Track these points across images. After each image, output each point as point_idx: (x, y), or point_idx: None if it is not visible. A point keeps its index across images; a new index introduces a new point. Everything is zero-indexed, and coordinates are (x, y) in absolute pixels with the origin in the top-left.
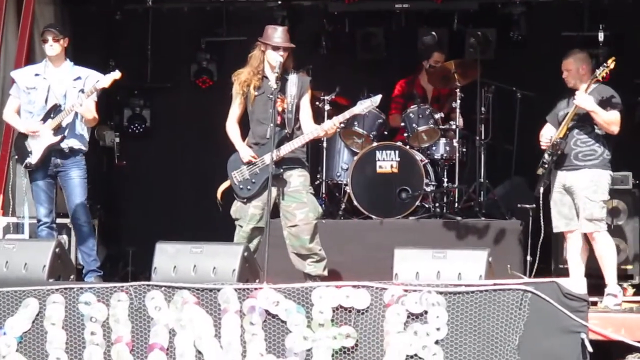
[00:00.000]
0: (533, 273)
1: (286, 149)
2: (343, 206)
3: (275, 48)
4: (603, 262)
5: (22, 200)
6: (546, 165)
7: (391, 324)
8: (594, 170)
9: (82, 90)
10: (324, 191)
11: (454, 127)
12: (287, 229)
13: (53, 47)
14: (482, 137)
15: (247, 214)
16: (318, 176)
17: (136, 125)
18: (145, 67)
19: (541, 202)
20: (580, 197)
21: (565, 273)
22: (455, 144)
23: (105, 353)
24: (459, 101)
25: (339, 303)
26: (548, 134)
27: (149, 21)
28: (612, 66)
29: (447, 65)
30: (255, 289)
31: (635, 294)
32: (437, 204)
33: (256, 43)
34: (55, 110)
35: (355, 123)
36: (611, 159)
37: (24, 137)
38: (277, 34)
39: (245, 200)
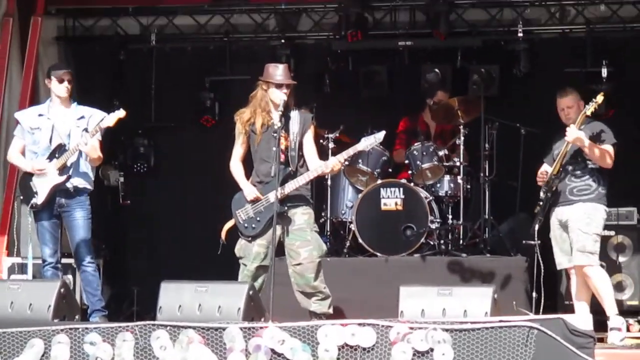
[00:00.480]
0: (540, 310)
1: (290, 187)
2: (348, 244)
3: (279, 86)
4: (599, 295)
5: (27, 241)
6: (541, 203)
7: None
8: (589, 204)
9: (85, 130)
10: (328, 229)
11: (458, 164)
12: (292, 267)
13: (68, 88)
14: (487, 174)
15: (251, 253)
16: (323, 214)
17: (140, 164)
18: (149, 107)
19: (537, 239)
20: (574, 229)
21: (571, 309)
22: (460, 181)
23: None
24: (462, 138)
25: (344, 341)
26: (544, 171)
27: (152, 61)
28: (599, 101)
29: (450, 102)
30: (261, 327)
31: None
32: (442, 241)
33: (258, 82)
34: (60, 149)
35: (360, 161)
36: (607, 193)
37: (29, 177)
38: (278, 71)
39: (250, 238)
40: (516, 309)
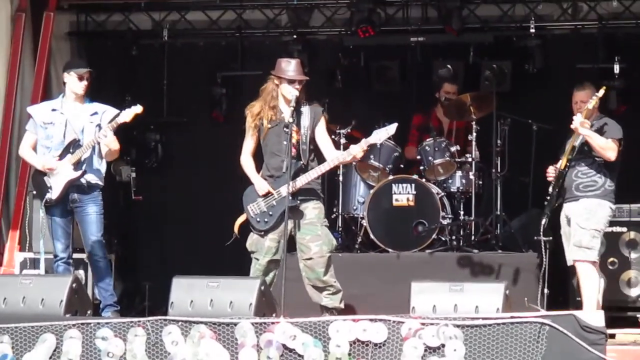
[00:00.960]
0: (551, 306)
1: (302, 180)
2: (359, 239)
3: (291, 81)
4: (582, 292)
5: (39, 236)
6: (548, 198)
7: (408, 357)
8: (592, 199)
9: (99, 126)
10: (340, 224)
11: (470, 159)
12: (303, 261)
13: (86, 85)
14: (499, 170)
15: (263, 247)
16: (334, 209)
17: (152, 160)
18: (161, 102)
19: (544, 235)
20: (573, 224)
21: (582, 305)
22: (472, 177)
23: None
24: (474, 134)
25: (356, 337)
26: (552, 168)
27: (164, 56)
28: (601, 95)
29: (462, 98)
30: (272, 323)
31: None
32: (453, 237)
33: (269, 76)
34: (74, 145)
35: (372, 156)
36: (614, 190)
37: (42, 172)
38: (291, 67)
39: (262, 233)
40: (528, 305)
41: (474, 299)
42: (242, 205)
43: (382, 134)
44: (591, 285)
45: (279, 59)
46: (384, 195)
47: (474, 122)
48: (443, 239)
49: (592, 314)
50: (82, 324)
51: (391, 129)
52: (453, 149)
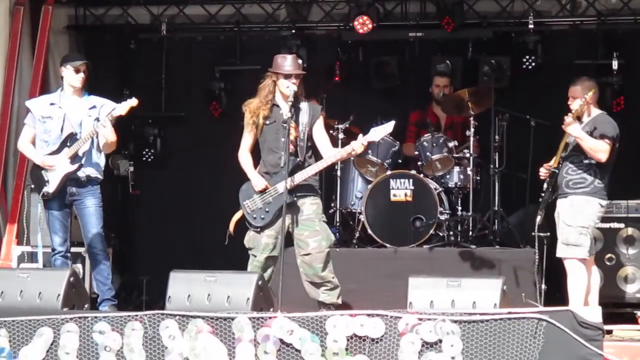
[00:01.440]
0: (548, 302)
1: (300, 177)
2: (357, 235)
3: (287, 76)
4: (569, 289)
5: (37, 229)
6: (542, 194)
7: (405, 352)
8: (580, 196)
9: (97, 119)
10: (338, 220)
11: (467, 155)
12: (301, 257)
13: (83, 78)
14: (496, 166)
15: (260, 244)
16: (332, 204)
17: (150, 154)
18: (159, 96)
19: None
20: (560, 221)
21: None
22: (469, 172)
23: None
24: (472, 129)
25: (353, 332)
26: (544, 168)
27: (163, 50)
28: (589, 97)
29: (461, 93)
30: (270, 317)
31: None
32: (451, 233)
33: (266, 73)
34: (71, 138)
35: (370, 151)
36: (605, 187)
37: (40, 166)
38: (287, 62)
39: (258, 229)
40: (525, 301)
41: (472, 294)
42: (239, 201)
43: (380, 132)
44: (577, 282)
45: (275, 55)
46: (381, 190)
47: (472, 118)
48: (441, 234)
49: (589, 309)
50: (80, 317)
51: (389, 126)
52: (451, 144)
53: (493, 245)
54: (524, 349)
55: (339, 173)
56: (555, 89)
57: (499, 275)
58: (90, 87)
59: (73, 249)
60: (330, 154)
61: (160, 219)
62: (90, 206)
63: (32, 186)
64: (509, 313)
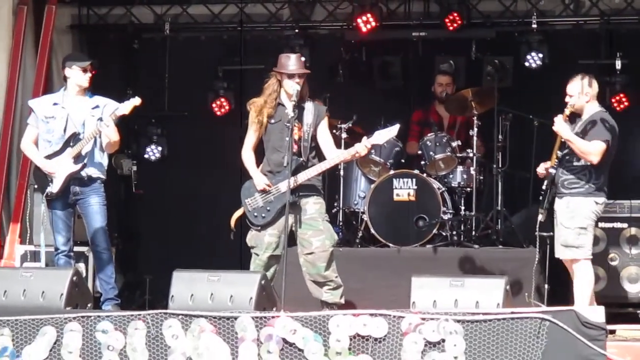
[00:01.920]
0: (551, 301)
1: (303, 177)
2: (360, 234)
3: (291, 76)
4: (575, 289)
5: (40, 229)
6: (542, 194)
7: (408, 352)
8: (575, 197)
9: (100, 119)
10: (341, 219)
11: (471, 155)
12: (304, 256)
13: (90, 78)
14: (500, 165)
15: (263, 243)
16: (335, 204)
17: (153, 153)
18: (163, 96)
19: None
20: (557, 223)
21: None
22: (473, 172)
23: None
24: (476, 129)
25: (356, 331)
26: (542, 166)
27: (166, 50)
28: (567, 113)
29: (464, 93)
30: (273, 317)
31: None
32: (454, 232)
33: (271, 73)
34: (74, 138)
35: (373, 151)
36: (601, 186)
37: None
38: (291, 61)
39: (259, 228)
40: (528, 301)
41: (475, 294)
42: (240, 199)
43: (384, 135)
44: (582, 282)
45: (279, 55)
46: (384, 190)
47: (475, 117)
48: (444, 234)
49: (592, 309)
50: (83, 317)
51: (393, 130)
52: (454, 144)
53: (496, 245)
54: (527, 349)
55: (342, 173)
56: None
57: (502, 275)
58: (94, 86)
59: (76, 249)
60: (334, 156)
61: (163, 218)
62: (94, 204)
63: (35, 186)
64: (512, 313)
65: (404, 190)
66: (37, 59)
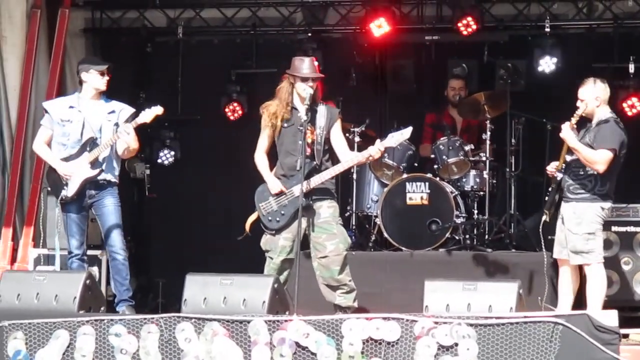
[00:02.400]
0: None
1: (316, 180)
2: (373, 238)
3: (304, 79)
4: (588, 294)
5: (53, 232)
6: (548, 196)
7: (421, 356)
8: (581, 203)
9: (116, 124)
10: (354, 223)
11: (484, 158)
12: (317, 260)
13: (108, 81)
14: (512, 169)
15: (277, 246)
16: (348, 208)
17: (166, 157)
18: (176, 99)
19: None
20: (565, 229)
21: None
22: (486, 176)
23: None
24: (489, 133)
25: (369, 335)
26: (553, 165)
27: (179, 53)
28: (576, 119)
29: (477, 97)
30: (286, 320)
31: None
32: (467, 236)
33: (284, 75)
34: (92, 143)
35: (386, 155)
36: (607, 192)
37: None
38: (305, 65)
39: (273, 232)
40: (541, 305)
41: (488, 298)
42: (255, 203)
43: (397, 137)
44: (595, 286)
45: (293, 57)
46: (397, 193)
47: (488, 121)
48: (457, 237)
49: (605, 313)
50: (96, 320)
51: (406, 132)
52: (467, 147)
53: (509, 249)
54: (540, 353)
55: (354, 176)
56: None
57: (515, 279)
58: (107, 90)
59: (89, 252)
60: (347, 159)
61: (176, 222)
62: (109, 205)
63: (49, 189)
64: (525, 317)
65: (417, 194)
66: (51, 63)
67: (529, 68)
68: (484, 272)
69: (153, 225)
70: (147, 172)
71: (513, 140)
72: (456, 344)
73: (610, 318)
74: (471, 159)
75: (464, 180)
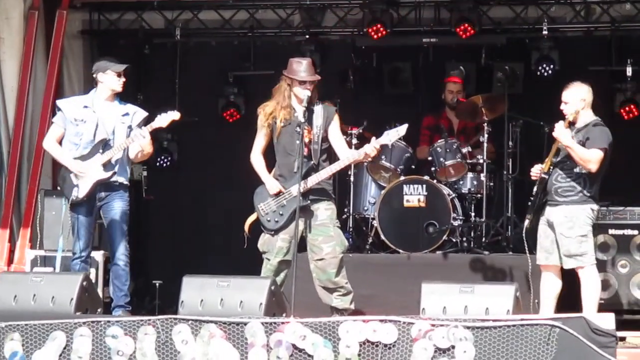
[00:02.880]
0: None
1: (313, 180)
2: (370, 240)
3: (302, 82)
4: (583, 297)
5: (55, 232)
6: (532, 199)
7: (418, 358)
8: (571, 206)
9: (129, 127)
10: (351, 225)
11: (481, 161)
12: (314, 262)
13: (124, 82)
14: (510, 172)
15: (274, 247)
16: (345, 210)
17: (164, 159)
18: (173, 101)
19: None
20: (557, 233)
21: None
22: (483, 178)
23: None
24: (486, 135)
25: (365, 337)
26: (537, 168)
27: (177, 55)
28: (579, 109)
29: (474, 99)
30: (282, 322)
31: None
32: (464, 239)
33: (281, 76)
34: (104, 145)
35: (383, 157)
36: (594, 194)
37: (69, 169)
38: (302, 68)
39: (273, 232)
40: (538, 307)
41: (485, 300)
42: (253, 204)
43: (393, 135)
44: (590, 288)
45: (290, 59)
46: (395, 196)
47: (485, 124)
48: (454, 240)
49: (602, 316)
50: (93, 322)
51: (402, 129)
52: (464, 150)
53: (506, 251)
54: (536, 356)
55: (352, 178)
56: None
57: (512, 282)
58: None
59: None
60: (344, 157)
61: (174, 224)
62: (116, 208)
63: (59, 187)
64: (522, 319)
65: (414, 197)
66: (48, 64)
67: (527, 71)
68: (481, 274)
69: (150, 227)
70: (145, 174)
71: (510, 143)
72: (453, 347)
73: (607, 321)
74: (468, 161)
75: (461, 182)
